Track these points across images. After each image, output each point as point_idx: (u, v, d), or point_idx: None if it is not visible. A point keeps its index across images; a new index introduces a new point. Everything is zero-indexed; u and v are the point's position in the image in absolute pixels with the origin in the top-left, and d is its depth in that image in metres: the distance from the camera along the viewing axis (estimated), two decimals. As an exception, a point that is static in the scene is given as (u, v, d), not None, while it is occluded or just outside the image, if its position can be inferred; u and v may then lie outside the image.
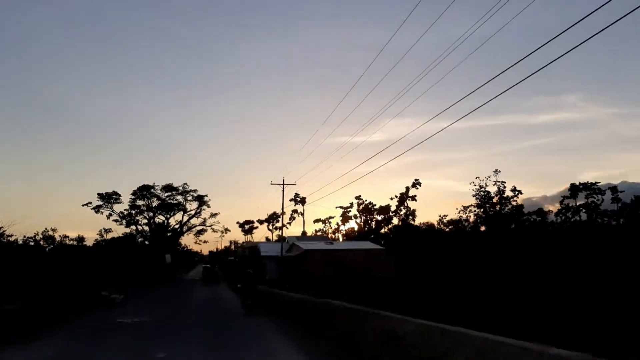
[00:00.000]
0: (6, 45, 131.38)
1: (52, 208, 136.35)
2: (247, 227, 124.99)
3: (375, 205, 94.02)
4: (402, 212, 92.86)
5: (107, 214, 77.77)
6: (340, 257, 50.83)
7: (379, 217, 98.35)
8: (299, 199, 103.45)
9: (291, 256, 54.75)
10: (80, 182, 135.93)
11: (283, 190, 50.16)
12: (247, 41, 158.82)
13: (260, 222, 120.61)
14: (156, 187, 79.12)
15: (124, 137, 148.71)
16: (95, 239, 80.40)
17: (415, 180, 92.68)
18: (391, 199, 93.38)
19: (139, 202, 78.73)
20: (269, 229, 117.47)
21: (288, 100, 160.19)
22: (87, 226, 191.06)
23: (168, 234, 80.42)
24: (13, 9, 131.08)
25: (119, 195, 78.11)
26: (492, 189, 59.16)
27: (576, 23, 8.77)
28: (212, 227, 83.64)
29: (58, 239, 78.74)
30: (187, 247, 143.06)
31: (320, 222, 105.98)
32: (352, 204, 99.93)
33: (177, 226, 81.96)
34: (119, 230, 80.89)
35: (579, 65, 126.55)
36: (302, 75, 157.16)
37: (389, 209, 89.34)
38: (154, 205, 78.73)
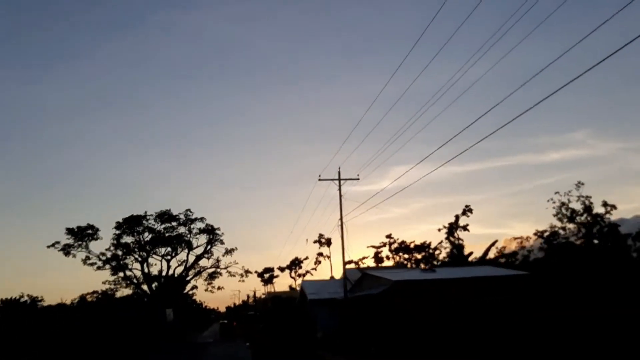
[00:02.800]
0: None
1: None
2: (266, 276, 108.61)
3: (409, 243, 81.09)
4: (449, 244, 76.83)
5: (84, 257, 58.37)
6: (452, 290, 29.65)
7: (419, 255, 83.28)
8: (323, 240, 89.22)
9: (370, 295, 31.63)
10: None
11: (340, 188, 32.63)
12: (253, 96, 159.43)
13: (282, 269, 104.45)
14: (149, 218, 60.89)
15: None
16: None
17: (466, 207, 76.47)
18: (439, 230, 77.29)
19: (127, 240, 60.19)
20: (291, 276, 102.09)
21: (290, 151, 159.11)
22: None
23: (167, 281, 62.66)
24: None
25: (97, 230, 58.97)
26: (575, 206, 49.00)
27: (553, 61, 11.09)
28: (228, 269, 65.60)
29: None
30: (202, 303, 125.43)
31: (353, 264, 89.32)
32: (384, 243, 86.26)
33: (180, 269, 63.97)
34: (102, 277, 62.23)
35: (584, 101, 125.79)
36: (305, 126, 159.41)
37: (427, 245, 76.85)
38: (146, 241, 60.03)
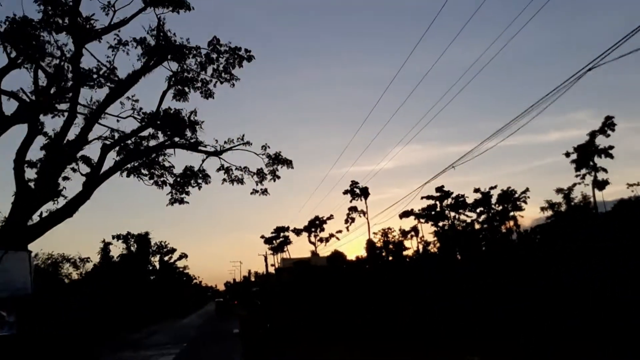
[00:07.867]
0: None
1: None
2: (276, 242, 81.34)
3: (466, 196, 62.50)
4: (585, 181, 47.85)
5: None
6: None
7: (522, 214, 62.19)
8: (358, 190, 62.79)
9: None
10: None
11: None
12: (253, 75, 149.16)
13: (297, 232, 77.23)
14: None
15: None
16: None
17: (607, 118, 47.08)
18: (567, 154, 48.30)
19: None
20: (310, 241, 75.42)
21: (297, 136, 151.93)
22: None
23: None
24: None
25: None
26: None
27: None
28: (234, 146, 20.85)
29: None
30: (195, 277, 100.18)
31: (413, 217, 63.13)
32: (432, 196, 64.86)
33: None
34: None
35: (586, 82, 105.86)
36: (309, 110, 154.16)
37: (512, 193, 58.79)
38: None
